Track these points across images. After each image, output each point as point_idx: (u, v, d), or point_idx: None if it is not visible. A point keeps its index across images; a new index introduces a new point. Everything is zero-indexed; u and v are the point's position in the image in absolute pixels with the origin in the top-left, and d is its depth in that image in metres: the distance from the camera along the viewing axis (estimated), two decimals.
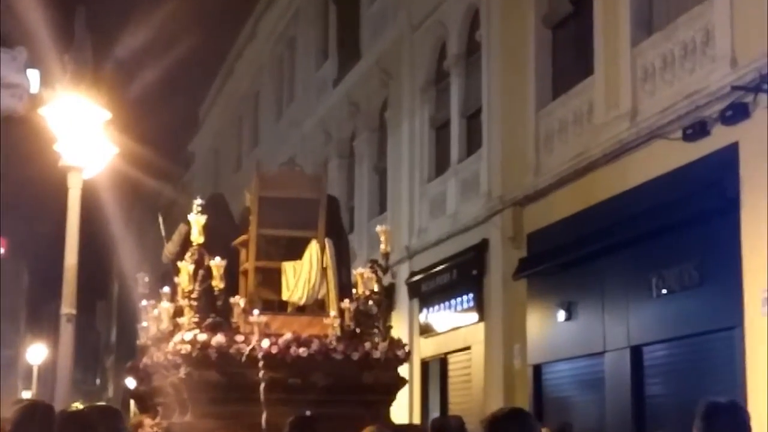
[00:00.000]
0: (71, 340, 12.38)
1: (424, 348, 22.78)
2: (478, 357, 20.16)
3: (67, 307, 12.28)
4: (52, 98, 12.31)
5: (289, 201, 13.61)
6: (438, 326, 22.01)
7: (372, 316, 13.27)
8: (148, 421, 13.45)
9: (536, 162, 18.23)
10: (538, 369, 18.16)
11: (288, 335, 12.57)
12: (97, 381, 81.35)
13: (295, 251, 13.42)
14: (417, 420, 22.41)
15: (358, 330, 13.01)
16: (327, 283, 13.37)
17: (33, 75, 13.90)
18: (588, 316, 16.59)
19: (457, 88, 22.08)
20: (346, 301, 13.10)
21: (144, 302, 14.65)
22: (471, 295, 20.47)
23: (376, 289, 13.45)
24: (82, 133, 12.17)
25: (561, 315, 17.09)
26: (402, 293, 23.61)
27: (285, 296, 13.33)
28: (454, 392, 21.69)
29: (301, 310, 13.36)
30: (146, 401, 14.33)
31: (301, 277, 13.28)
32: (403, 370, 22.83)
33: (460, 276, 20.89)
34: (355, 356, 12.75)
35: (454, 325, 21.25)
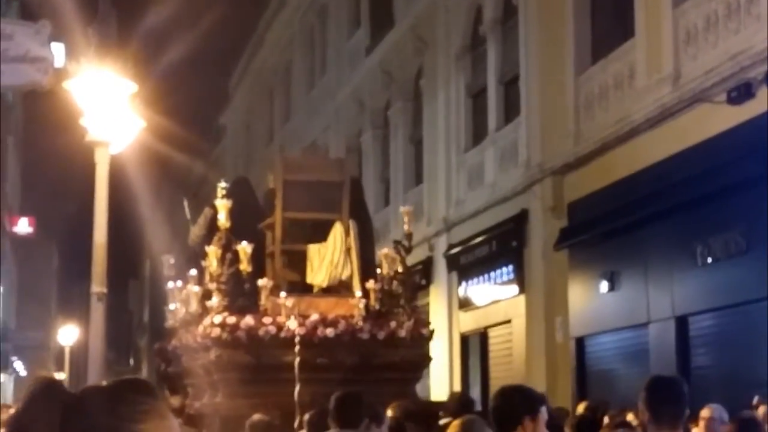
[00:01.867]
0: (102, 320, 12.19)
1: (464, 322, 22.54)
2: (519, 330, 19.90)
3: (98, 285, 12.05)
4: (78, 72, 12.02)
5: (312, 184, 13.89)
6: (477, 300, 21.75)
7: (397, 296, 13.54)
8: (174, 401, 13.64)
9: (576, 129, 17.91)
10: (580, 342, 17.88)
11: (315, 316, 12.90)
12: (131, 361, 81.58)
13: (320, 233, 13.70)
14: None
15: (383, 310, 13.31)
16: (351, 264, 13.62)
17: (58, 48, 13.62)
18: (631, 286, 16.31)
19: (493, 54, 21.73)
20: (371, 281, 13.37)
21: (171, 285, 14.94)
22: (511, 267, 20.20)
23: (400, 269, 13.70)
24: (109, 106, 11.88)
25: (604, 286, 16.81)
26: (440, 266, 23.36)
27: (309, 279, 13.61)
28: (495, 367, 21.44)
29: (327, 291, 13.58)
30: (176, 382, 14.55)
31: (325, 258, 13.56)
32: (442, 345, 22.83)
33: (499, 248, 20.62)
34: (381, 335, 13.07)
35: (494, 299, 20.98)
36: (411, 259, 24.30)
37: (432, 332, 14.10)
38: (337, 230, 13.68)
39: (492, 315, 21.30)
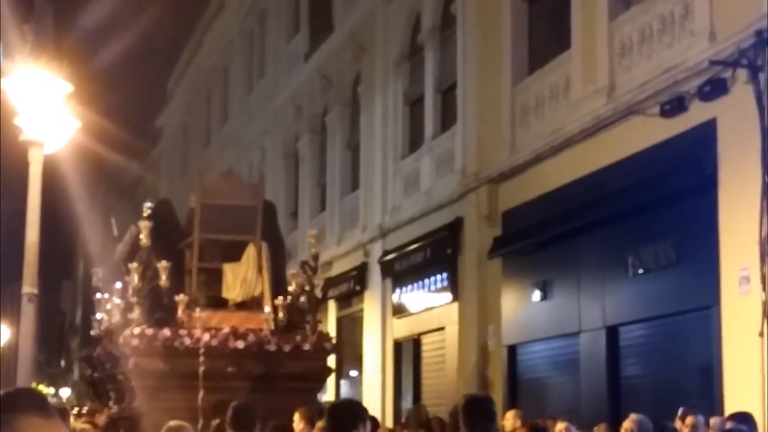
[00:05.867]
0: (33, 321, 12.08)
1: (398, 328, 22.55)
2: (452, 337, 19.94)
3: (29, 286, 11.92)
4: (13, 70, 11.89)
5: (229, 208, 15.12)
6: (411, 306, 21.78)
7: (303, 312, 14.80)
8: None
9: (512, 138, 18.00)
10: (512, 350, 17.98)
11: (226, 329, 14.09)
12: (62, 363, 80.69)
13: (235, 253, 14.97)
14: (390, 402, 22.28)
15: (290, 324, 14.53)
16: (263, 282, 14.89)
17: None
18: (563, 295, 16.42)
19: (431, 63, 21.78)
20: (280, 298, 14.53)
21: (98, 296, 16.13)
22: (445, 275, 20.24)
23: (307, 287, 14.99)
24: (44, 106, 11.78)
25: (536, 295, 16.92)
26: (375, 272, 23.38)
27: (224, 294, 14.82)
28: (428, 373, 21.48)
29: (241, 306, 14.80)
30: (99, 388, 15.86)
31: (238, 276, 14.77)
32: (375, 351, 23.03)
33: (434, 255, 20.65)
34: (287, 348, 14.29)
35: (427, 305, 21.02)
36: (345, 265, 24.56)
37: (334, 346, 15.57)
38: (251, 251, 14.91)
39: (425, 322, 21.33)
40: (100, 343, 15.47)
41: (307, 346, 14.40)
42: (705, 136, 13.08)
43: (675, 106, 13.61)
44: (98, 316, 16.09)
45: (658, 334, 14.55)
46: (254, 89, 34.80)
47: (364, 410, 6.51)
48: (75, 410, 17.84)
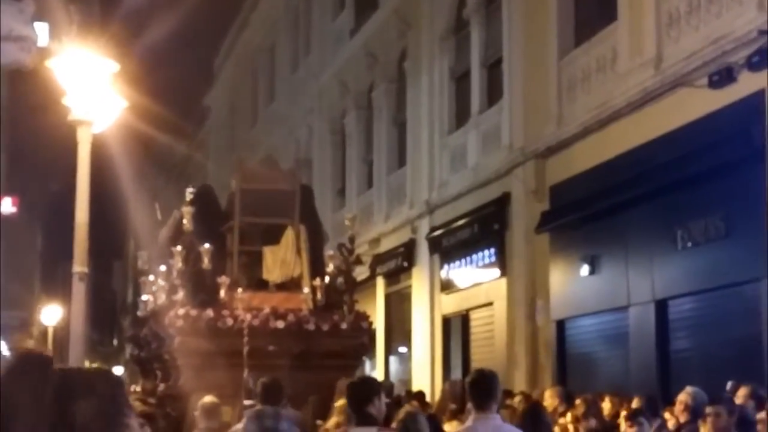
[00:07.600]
0: (83, 300, 12.20)
1: (446, 304, 22.57)
2: (501, 313, 19.94)
3: (79, 265, 12.04)
4: (60, 51, 11.98)
5: (267, 192, 15.64)
6: (459, 282, 21.79)
7: (341, 292, 15.22)
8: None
9: (559, 112, 17.93)
10: (561, 324, 17.95)
11: (267, 309, 14.53)
12: (114, 342, 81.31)
13: (275, 236, 15.48)
14: (438, 377, 22.32)
15: (328, 304, 14.94)
16: (301, 264, 15.37)
17: (41, 27, 13.59)
18: (612, 270, 16.36)
19: (477, 37, 21.71)
20: (318, 279, 15.01)
21: (143, 278, 16.70)
22: (493, 250, 20.23)
23: (344, 268, 15.36)
24: (91, 86, 11.85)
25: (584, 269, 16.87)
26: (422, 249, 23.39)
27: (264, 276, 15.32)
28: (476, 349, 21.50)
29: (280, 287, 15.26)
30: (146, 366, 16.33)
31: (278, 258, 15.30)
32: (424, 327, 23.14)
33: (481, 230, 20.64)
34: (325, 327, 14.68)
35: (475, 281, 21.02)
36: (393, 241, 24.57)
37: (371, 324, 15.86)
38: (289, 234, 15.39)
39: (474, 297, 21.34)
40: (147, 324, 15.93)
41: (344, 325, 14.80)
42: (754, 107, 12.99)
43: (723, 77, 13.50)
44: (144, 297, 16.59)
45: (707, 307, 14.49)
46: (300, 67, 34.82)
47: (379, 385, 7.30)
48: (132, 388, 18.16)
